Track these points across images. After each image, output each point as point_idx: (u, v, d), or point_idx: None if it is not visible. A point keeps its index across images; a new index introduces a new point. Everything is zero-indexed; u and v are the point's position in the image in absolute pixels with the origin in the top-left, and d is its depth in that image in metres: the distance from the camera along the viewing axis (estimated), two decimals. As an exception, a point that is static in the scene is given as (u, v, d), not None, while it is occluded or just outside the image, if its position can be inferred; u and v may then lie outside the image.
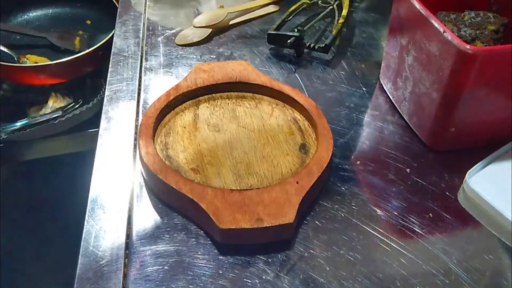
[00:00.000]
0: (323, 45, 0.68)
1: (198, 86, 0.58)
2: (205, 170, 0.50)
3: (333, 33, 0.70)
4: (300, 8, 0.78)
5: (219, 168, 0.50)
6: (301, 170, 0.48)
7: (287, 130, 0.55)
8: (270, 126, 0.55)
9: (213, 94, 0.59)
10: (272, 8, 0.81)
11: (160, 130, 0.54)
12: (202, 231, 0.46)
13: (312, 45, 0.68)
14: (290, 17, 0.76)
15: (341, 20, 0.72)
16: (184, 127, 0.54)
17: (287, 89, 0.58)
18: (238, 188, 0.47)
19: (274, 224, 0.43)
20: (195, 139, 0.53)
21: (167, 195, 0.48)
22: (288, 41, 0.68)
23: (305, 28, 0.70)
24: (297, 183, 0.46)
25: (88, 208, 0.48)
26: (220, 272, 0.43)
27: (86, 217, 0.47)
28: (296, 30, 0.68)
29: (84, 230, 0.45)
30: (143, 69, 0.66)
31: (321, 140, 0.51)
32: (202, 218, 0.45)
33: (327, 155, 0.50)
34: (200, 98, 0.58)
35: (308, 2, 0.79)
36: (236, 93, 0.59)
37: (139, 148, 0.50)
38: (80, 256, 0.43)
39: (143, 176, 0.51)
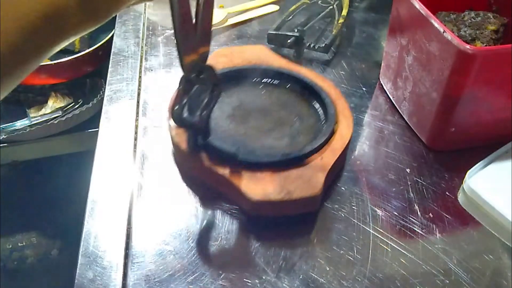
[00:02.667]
0: (323, 45, 0.68)
1: (219, 70, 0.59)
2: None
3: (333, 33, 0.70)
4: (300, 8, 0.78)
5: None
6: (325, 147, 0.50)
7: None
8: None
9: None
10: (272, 8, 0.81)
11: None
12: (202, 231, 0.46)
13: (312, 45, 0.68)
14: (290, 17, 0.76)
15: (341, 20, 0.72)
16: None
17: (305, 72, 0.60)
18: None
19: (302, 196, 0.45)
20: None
21: (199, 172, 0.50)
22: (288, 41, 0.68)
23: (305, 28, 0.70)
24: (322, 159, 0.49)
25: (88, 208, 0.48)
26: (220, 272, 0.43)
27: (86, 217, 0.47)
28: (296, 30, 0.68)
29: (84, 230, 0.45)
30: (143, 69, 0.66)
31: (341, 119, 0.53)
32: (234, 192, 0.47)
33: (348, 133, 0.52)
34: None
35: (308, 2, 0.79)
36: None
37: (169, 129, 0.52)
38: (80, 256, 0.43)
39: (173, 156, 0.53)
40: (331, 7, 0.76)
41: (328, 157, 0.49)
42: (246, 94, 0.59)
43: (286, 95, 0.59)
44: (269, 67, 0.60)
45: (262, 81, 0.60)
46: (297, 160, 0.48)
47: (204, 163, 0.48)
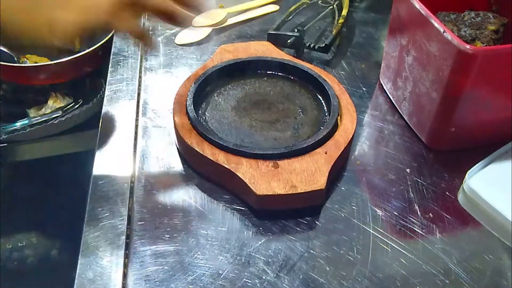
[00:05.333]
0: (323, 45, 0.68)
1: (224, 62, 0.60)
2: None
3: (333, 33, 0.70)
4: (300, 8, 0.78)
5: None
6: (329, 141, 0.51)
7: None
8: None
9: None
10: (272, 8, 0.81)
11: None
12: (202, 231, 0.46)
13: (312, 45, 0.68)
14: (290, 17, 0.76)
15: (341, 20, 0.72)
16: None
17: (309, 67, 0.61)
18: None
19: (307, 190, 0.46)
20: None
21: (204, 166, 0.51)
22: (288, 41, 0.68)
23: (305, 28, 0.70)
24: (326, 153, 0.49)
25: (88, 208, 0.48)
26: (220, 272, 0.43)
27: (86, 217, 0.47)
28: (296, 30, 0.68)
29: (84, 230, 0.45)
30: (143, 69, 0.66)
31: (345, 114, 0.54)
32: (238, 186, 0.48)
33: (352, 127, 0.52)
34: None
35: (308, 2, 0.79)
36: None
37: (175, 124, 0.52)
38: (80, 256, 0.43)
39: (178, 150, 0.53)
40: (331, 7, 0.76)
41: (332, 151, 0.50)
42: (250, 86, 0.60)
43: (290, 87, 0.60)
44: (274, 59, 0.61)
45: (267, 73, 0.61)
46: (301, 152, 0.49)
47: (209, 156, 0.49)
